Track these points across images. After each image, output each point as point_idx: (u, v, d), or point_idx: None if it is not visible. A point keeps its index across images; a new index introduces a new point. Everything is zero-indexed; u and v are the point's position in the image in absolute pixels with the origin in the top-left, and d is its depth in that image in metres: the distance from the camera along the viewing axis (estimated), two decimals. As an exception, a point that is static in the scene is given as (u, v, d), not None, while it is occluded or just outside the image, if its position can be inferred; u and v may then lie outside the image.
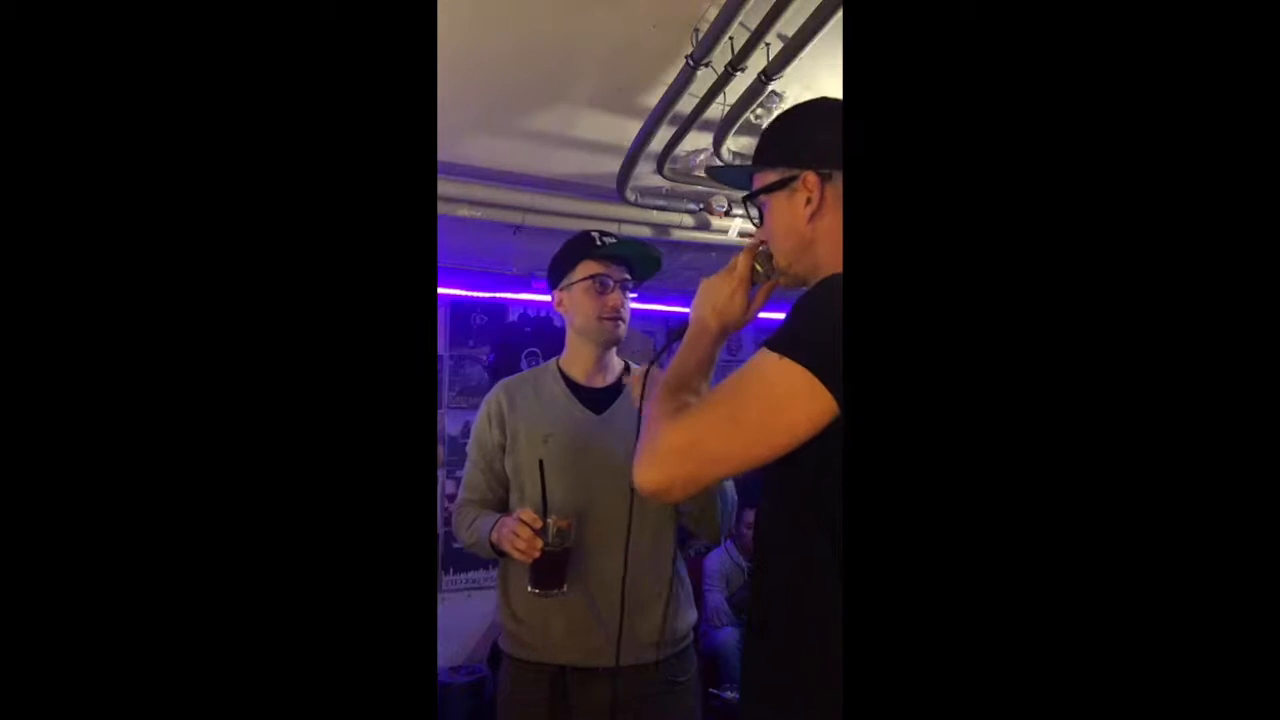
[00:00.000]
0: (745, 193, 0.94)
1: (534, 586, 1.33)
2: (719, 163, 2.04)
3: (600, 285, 1.45)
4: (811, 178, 0.84)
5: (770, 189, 0.88)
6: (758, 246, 0.94)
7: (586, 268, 1.47)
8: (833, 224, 0.82)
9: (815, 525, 0.73)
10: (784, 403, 0.70)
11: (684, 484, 0.74)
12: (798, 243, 0.85)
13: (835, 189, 0.83)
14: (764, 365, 0.72)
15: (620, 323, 1.47)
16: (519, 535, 1.29)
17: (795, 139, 0.88)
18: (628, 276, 1.50)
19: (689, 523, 1.42)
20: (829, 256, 0.81)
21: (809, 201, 0.83)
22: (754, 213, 0.94)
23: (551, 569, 1.32)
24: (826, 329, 0.68)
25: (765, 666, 0.80)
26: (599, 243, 1.47)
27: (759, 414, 0.71)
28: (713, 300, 0.93)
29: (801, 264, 0.86)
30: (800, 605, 0.76)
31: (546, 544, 1.29)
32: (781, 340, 0.72)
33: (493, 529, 1.38)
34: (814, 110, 0.90)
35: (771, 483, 0.82)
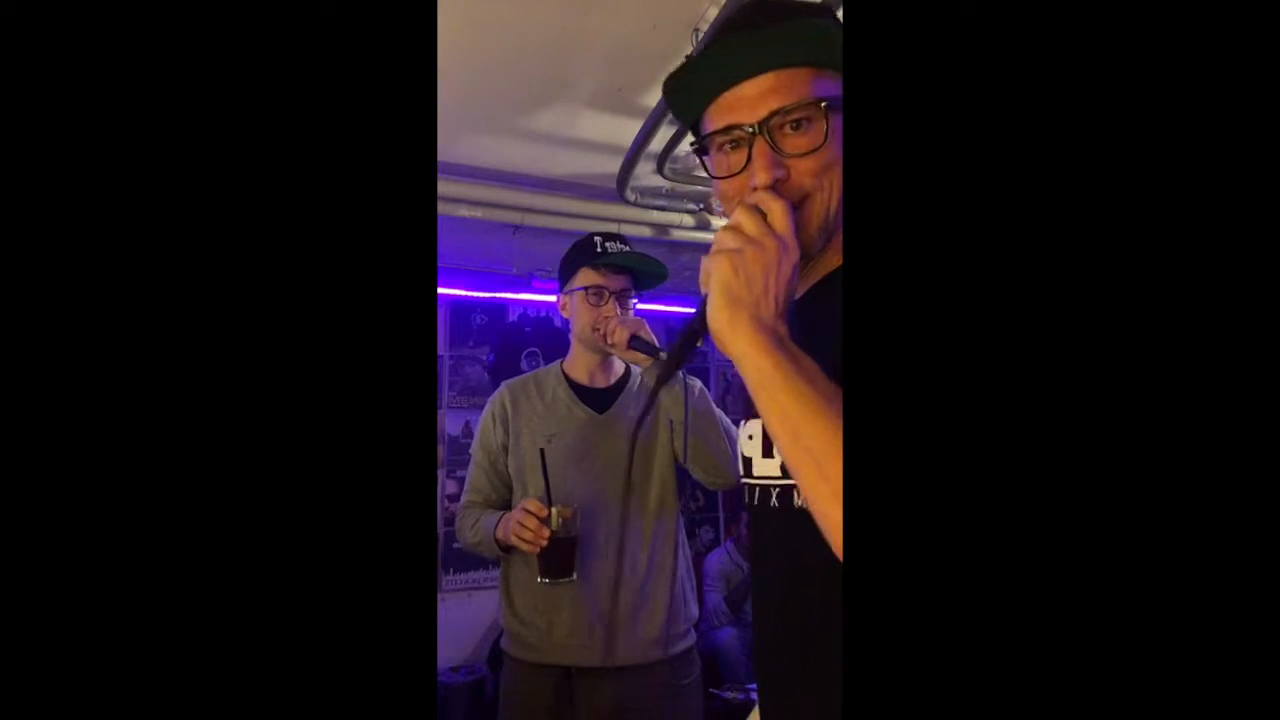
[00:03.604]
0: None
1: (544, 575, 1.33)
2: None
3: (596, 295, 1.44)
4: None
5: None
6: None
7: (586, 276, 1.45)
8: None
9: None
10: None
11: None
12: None
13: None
14: None
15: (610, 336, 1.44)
16: (525, 525, 1.29)
17: None
18: (628, 286, 1.46)
19: (699, 474, 1.39)
20: None
21: None
22: None
23: (560, 556, 1.32)
24: None
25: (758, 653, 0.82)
26: (600, 249, 1.45)
27: None
28: None
29: None
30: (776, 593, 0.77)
31: (553, 531, 1.30)
32: None
33: (497, 525, 1.38)
34: None
35: None
